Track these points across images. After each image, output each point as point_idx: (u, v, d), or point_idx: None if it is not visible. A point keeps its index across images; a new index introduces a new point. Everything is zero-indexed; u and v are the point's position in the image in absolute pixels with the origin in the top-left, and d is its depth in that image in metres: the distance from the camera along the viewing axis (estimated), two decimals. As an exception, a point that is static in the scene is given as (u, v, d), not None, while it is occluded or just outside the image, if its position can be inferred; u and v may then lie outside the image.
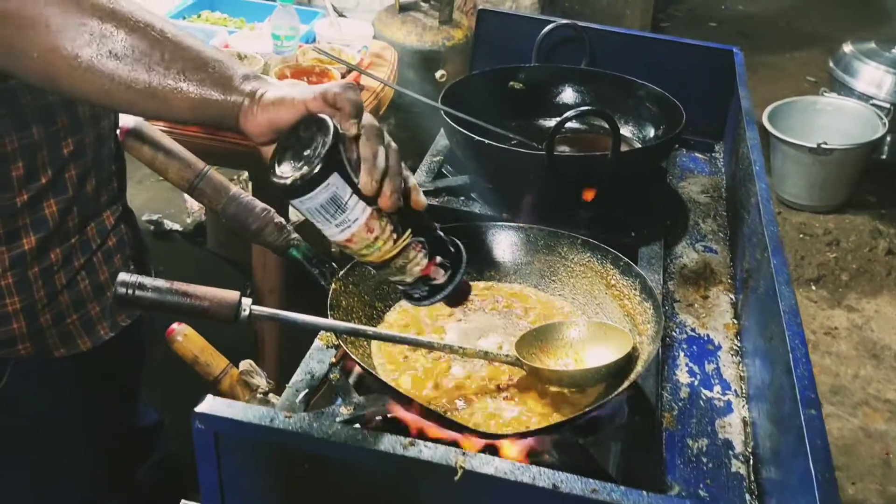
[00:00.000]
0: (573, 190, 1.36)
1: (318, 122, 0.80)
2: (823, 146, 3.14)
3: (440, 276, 0.92)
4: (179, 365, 1.31)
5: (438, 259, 0.91)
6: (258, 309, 0.92)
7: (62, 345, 1.20)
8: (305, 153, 0.80)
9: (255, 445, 0.74)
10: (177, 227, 2.93)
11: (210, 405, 0.73)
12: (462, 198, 1.44)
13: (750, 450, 1.02)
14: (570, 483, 0.70)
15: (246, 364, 1.37)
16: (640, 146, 1.51)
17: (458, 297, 0.95)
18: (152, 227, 2.89)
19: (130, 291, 0.89)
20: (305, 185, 0.79)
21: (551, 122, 1.61)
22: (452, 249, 0.94)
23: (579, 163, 1.34)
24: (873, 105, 3.42)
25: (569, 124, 1.26)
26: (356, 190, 0.81)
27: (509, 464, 0.71)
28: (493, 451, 0.92)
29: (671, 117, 1.47)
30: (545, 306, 1.13)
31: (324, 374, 1.04)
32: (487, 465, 0.71)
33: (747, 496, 0.96)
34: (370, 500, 0.78)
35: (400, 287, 0.94)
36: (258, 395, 1.37)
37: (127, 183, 1.30)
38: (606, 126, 1.28)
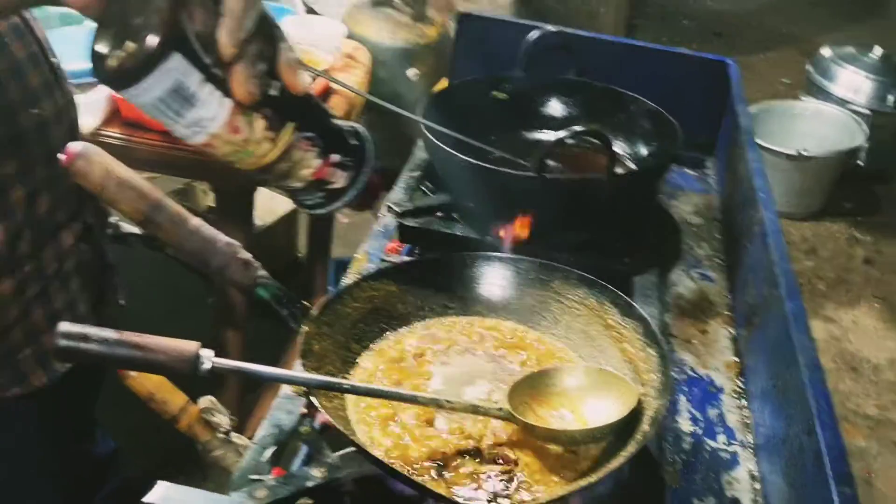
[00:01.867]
0: (563, 213, 1.27)
1: None
2: (803, 153, 3.08)
3: (339, 179, 0.75)
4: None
5: (335, 157, 0.73)
6: (220, 361, 0.81)
7: (14, 384, 1.08)
8: (135, 21, 0.59)
9: (216, 541, 0.64)
10: (134, 230, 2.79)
11: (163, 494, 0.62)
12: (443, 217, 1.33)
13: (760, 510, 0.94)
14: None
15: (206, 401, 1.26)
16: (632, 165, 1.42)
17: (365, 199, 0.78)
18: (109, 231, 2.74)
19: (73, 343, 0.78)
20: (132, 71, 0.58)
21: (536, 135, 1.52)
22: (355, 142, 0.76)
23: (572, 186, 1.24)
24: (851, 110, 3.38)
25: (555, 138, 1.17)
26: (210, 75, 0.61)
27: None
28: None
29: (665, 133, 1.39)
30: (537, 347, 1.03)
31: (293, 427, 0.93)
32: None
33: (760, 565, 0.88)
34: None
35: (287, 193, 0.77)
36: (219, 435, 1.26)
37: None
38: (596, 141, 1.19)
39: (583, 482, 0.82)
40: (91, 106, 1.59)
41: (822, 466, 0.76)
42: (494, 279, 1.08)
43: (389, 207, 1.33)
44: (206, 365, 0.80)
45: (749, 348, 1.13)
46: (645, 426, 0.86)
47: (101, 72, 0.60)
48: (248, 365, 0.82)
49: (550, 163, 1.35)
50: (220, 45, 0.61)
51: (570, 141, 1.22)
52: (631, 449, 0.84)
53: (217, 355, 0.80)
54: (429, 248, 1.37)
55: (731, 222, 1.38)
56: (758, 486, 0.97)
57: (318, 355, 0.92)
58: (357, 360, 0.99)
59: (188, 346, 0.80)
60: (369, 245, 1.26)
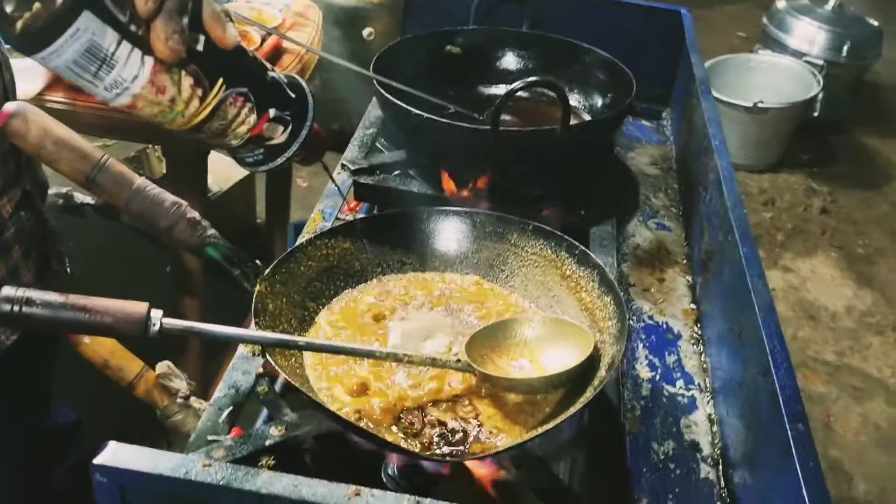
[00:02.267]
0: (519, 166, 1.26)
1: None
2: (760, 105, 3.10)
3: (278, 134, 0.72)
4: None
5: (272, 112, 0.71)
6: (171, 322, 0.79)
7: None
8: None
9: (170, 499, 0.63)
10: (88, 199, 2.73)
11: (113, 455, 0.61)
12: (399, 175, 1.32)
13: (718, 451, 0.95)
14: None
15: (163, 366, 1.25)
16: (588, 117, 1.42)
17: (311, 153, 0.76)
18: (61, 202, 2.67)
19: (17, 308, 0.76)
20: (41, 34, 0.55)
21: (492, 90, 1.51)
22: (293, 95, 0.73)
23: (526, 138, 1.23)
24: (807, 62, 3.40)
25: (508, 90, 1.15)
26: (127, 33, 0.58)
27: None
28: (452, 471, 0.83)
29: (620, 84, 1.38)
30: (495, 300, 1.03)
31: (250, 388, 0.92)
32: (445, 514, 0.61)
33: (718, 504, 0.89)
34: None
35: (226, 151, 0.74)
36: (178, 400, 1.25)
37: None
38: (551, 94, 1.18)
39: (542, 429, 0.82)
40: (32, 71, 1.54)
41: (777, 406, 0.77)
42: (451, 233, 1.07)
43: (344, 165, 1.31)
44: (156, 326, 0.78)
45: (706, 295, 1.13)
46: (602, 371, 0.87)
47: (9, 35, 0.57)
48: (199, 325, 0.80)
49: (505, 117, 1.34)
50: (138, 3, 0.58)
51: (523, 93, 1.21)
52: (588, 394, 0.84)
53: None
54: (386, 206, 1.35)
55: (687, 172, 1.39)
56: (715, 428, 0.98)
57: (272, 314, 0.91)
58: (315, 319, 0.98)
59: (137, 306, 0.78)
60: (324, 204, 1.24)
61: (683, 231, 1.32)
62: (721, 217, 1.08)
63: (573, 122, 1.23)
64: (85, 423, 1.63)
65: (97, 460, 0.60)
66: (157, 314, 0.78)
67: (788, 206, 3.19)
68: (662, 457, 0.93)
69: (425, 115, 1.19)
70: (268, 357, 0.82)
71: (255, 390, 0.92)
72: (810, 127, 3.51)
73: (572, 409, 0.82)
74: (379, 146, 1.41)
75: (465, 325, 0.98)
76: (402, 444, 0.82)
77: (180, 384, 1.21)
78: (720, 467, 0.93)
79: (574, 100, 1.45)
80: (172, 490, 0.60)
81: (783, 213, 3.16)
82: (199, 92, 0.64)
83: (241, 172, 2.52)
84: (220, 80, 0.66)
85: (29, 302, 0.75)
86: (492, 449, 0.82)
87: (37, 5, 0.54)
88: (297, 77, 0.75)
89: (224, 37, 0.65)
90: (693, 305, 1.17)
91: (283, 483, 0.60)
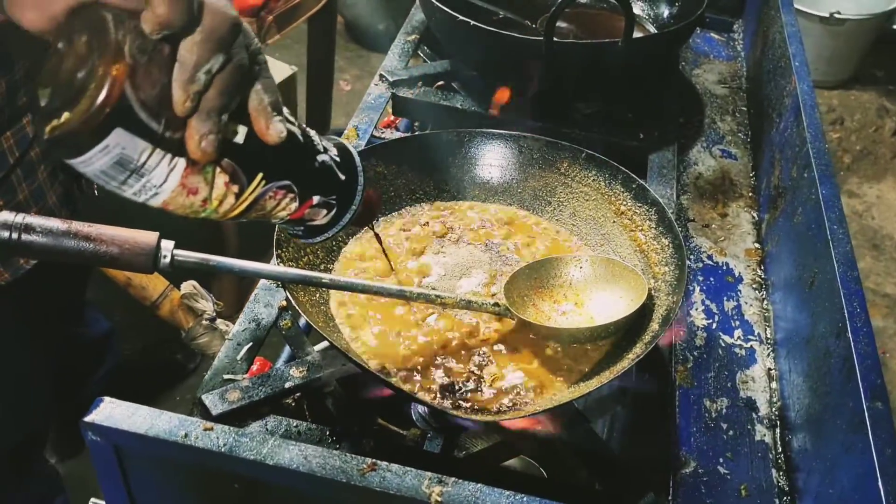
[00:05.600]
0: (574, 82, 1.15)
1: (95, 21, 0.49)
2: (837, 16, 2.88)
3: (320, 217, 0.66)
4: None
5: (316, 199, 0.64)
6: (182, 254, 0.72)
7: None
8: (79, 75, 0.49)
9: (169, 463, 0.57)
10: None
11: (105, 413, 0.55)
12: (442, 88, 1.22)
13: (776, 411, 0.87)
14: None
15: (189, 286, 1.20)
16: (652, 28, 1.28)
17: (361, 218, 0.70)
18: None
19: (15, 235, 0.69)
20: (67, 144, 0.50)
21: (546, -6, 1.38)
22: (343, 177, 0.66)
23: (584, 51, 1.11)
24: (891, -32, 3.13)
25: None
26: (160, 141, 0.52)
27: (497, 492, 0.55)
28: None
29: (689, -8, 1.24)
30: (541, 235, 0.94)
31: (272, 322, 0.86)
32: (470, 495, 0.54)
33: (773, 472, 0.81)
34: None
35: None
36: (204, 322, 1.20)
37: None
38: (613, 1, 1.06)
39: (585, 388, 0.74)
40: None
41: (852, 375, 0.68)
42: (494, 159, 0.98)
43: (382, 76, 1.21)
44: (167, 258, 0.71)
45: (772, 234, 1.03)
46: (655, 325, 0.78)
47: (38, 131, 0.53)
48: (214, 257, 0.72)
49: (561, 25, 1.21)
50: (173, 99, 0.51)
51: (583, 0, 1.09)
52: (638, 350, 0.76)
53: (206, 247, 0.71)
54: (426, 121, 1.26)
55: (759, 93, 1.26)
56: (774, 385, 0.90)
57: (296, 245, 0.84)
58: (342, 249, 0.90)
59: (146, 237, 0.71)
60: (359, 119, 1.15)
61: (751, 160, 1.20)
62: (797, 149, 0.97)
63: (636, 34, 1.11)
64: (119, 333, 1.62)
65: (88, 418, 0.55)
66: (167, 245, 0.71)
67: (858, 126, 3.00)
68: (714, 415, 0.86)
69: (472, 22, 1.08)
70: (287, 295, 0.76)
71: (277, 325, 0.86)
72: (888, 41, 3.26)
73: (619, 367, 0.74)
74: (421, 54, 1.31)
75: (506, 262, 0.90)
76: (435, 399, 0.75)
77: (206, 305, 1.16)
78: (777, 429, 0.85)
79: (637, 7, 1.31)
80: (169, 454, 0.55)
81: (852, 133, 2.97)
82: (235, 188, 0.57)
83: (279, 74, 2.42)
84: (260, 176, 0.58)
85: (28, 229, 0.69)
86: (528, 406, 0.75)
87: (66, 115, 0.48)
88: (352, 150, 0.66)
89: (268, 133, 0.56)
90: (757, 245, 1.07)
91: (291, 453, 0.54)
